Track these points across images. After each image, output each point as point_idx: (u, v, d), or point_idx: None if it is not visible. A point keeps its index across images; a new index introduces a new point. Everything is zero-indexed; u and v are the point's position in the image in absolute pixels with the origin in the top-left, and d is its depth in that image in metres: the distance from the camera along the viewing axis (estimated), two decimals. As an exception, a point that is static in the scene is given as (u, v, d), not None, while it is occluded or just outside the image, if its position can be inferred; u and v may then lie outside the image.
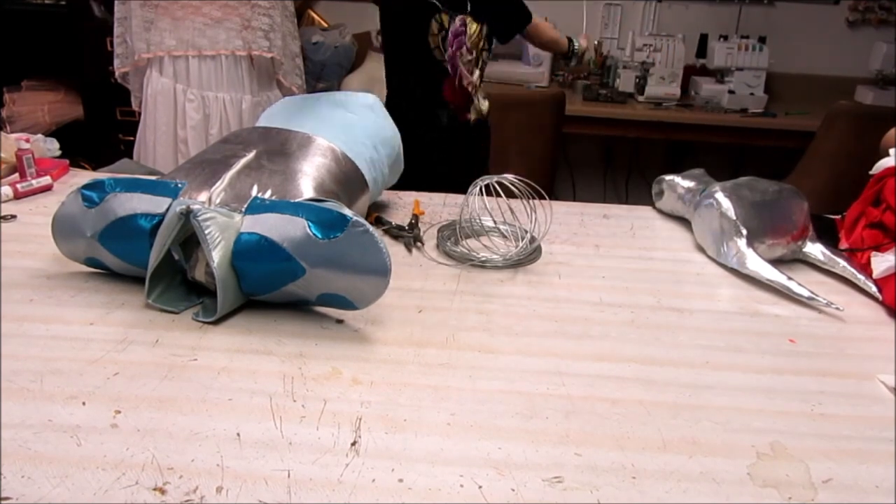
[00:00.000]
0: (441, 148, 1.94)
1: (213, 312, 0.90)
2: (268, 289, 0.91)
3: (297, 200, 0.95)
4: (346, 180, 1.08)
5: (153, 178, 1.01)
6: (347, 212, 0.87)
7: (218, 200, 0.95)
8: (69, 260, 1.02)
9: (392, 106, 1.35)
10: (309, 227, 0.86)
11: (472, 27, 1.78)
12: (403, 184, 1.38)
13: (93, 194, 0.96)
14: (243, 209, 0.93)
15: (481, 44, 1.84)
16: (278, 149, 1.06)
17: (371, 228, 0.86)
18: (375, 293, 0.88)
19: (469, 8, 1.79)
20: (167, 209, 0.92)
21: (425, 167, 1.60)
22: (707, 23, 3.11)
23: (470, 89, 1.89)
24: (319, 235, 0.86)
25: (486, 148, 2.08)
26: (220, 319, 0.91)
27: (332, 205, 0.90)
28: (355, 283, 0.87)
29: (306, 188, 0.99)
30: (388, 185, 1.31)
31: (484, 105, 1.95)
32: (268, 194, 0.96)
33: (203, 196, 0.96)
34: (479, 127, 2.00)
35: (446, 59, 1.83)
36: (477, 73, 1.87)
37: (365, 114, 1.23)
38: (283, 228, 0.87)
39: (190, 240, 0.92)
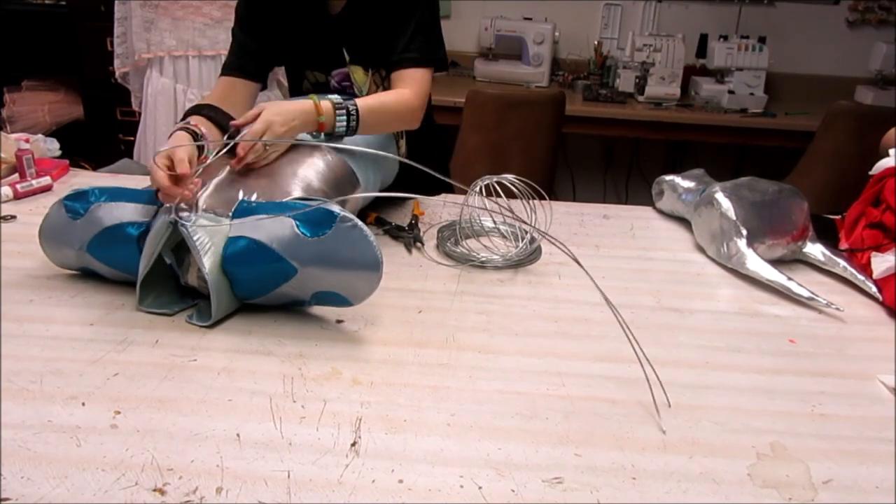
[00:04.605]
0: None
1: (207, 316, 0.90)
2: (261, 291, 0.91)
3: (283, 200, 0.94)
4: (335, 178, 1.07)
5: (141, 188, 0.99)
6: (335, 208, 0.86)
7: (204, 206, 0.93)
8: (69, 260, 1.02)
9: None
10: (297, 225, 0.86)
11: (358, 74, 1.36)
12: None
13: (77, 205, 0.95)
14: (230, 213, 0.92)
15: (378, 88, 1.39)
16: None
17: (359, 223, 0.85)
18: (369, 287, 0.88)
19: (348, 57, 1.33)
20: (154, 216, 0.91)
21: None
22: (707, 23, 3.11)
23: None
24: (308, 233, 0.85)
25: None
26: (220, 320, 0.91)
27: (319, 202, 0.89)
28: (347, 278, 0.87)
29: (293, 189, 0.98)
30: (385, 184, 1.30)
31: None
32: (254, 197, 0.95)
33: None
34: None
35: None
36: None
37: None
38: (270, 229, 0.87)
39: (181, 245, 0.92)
